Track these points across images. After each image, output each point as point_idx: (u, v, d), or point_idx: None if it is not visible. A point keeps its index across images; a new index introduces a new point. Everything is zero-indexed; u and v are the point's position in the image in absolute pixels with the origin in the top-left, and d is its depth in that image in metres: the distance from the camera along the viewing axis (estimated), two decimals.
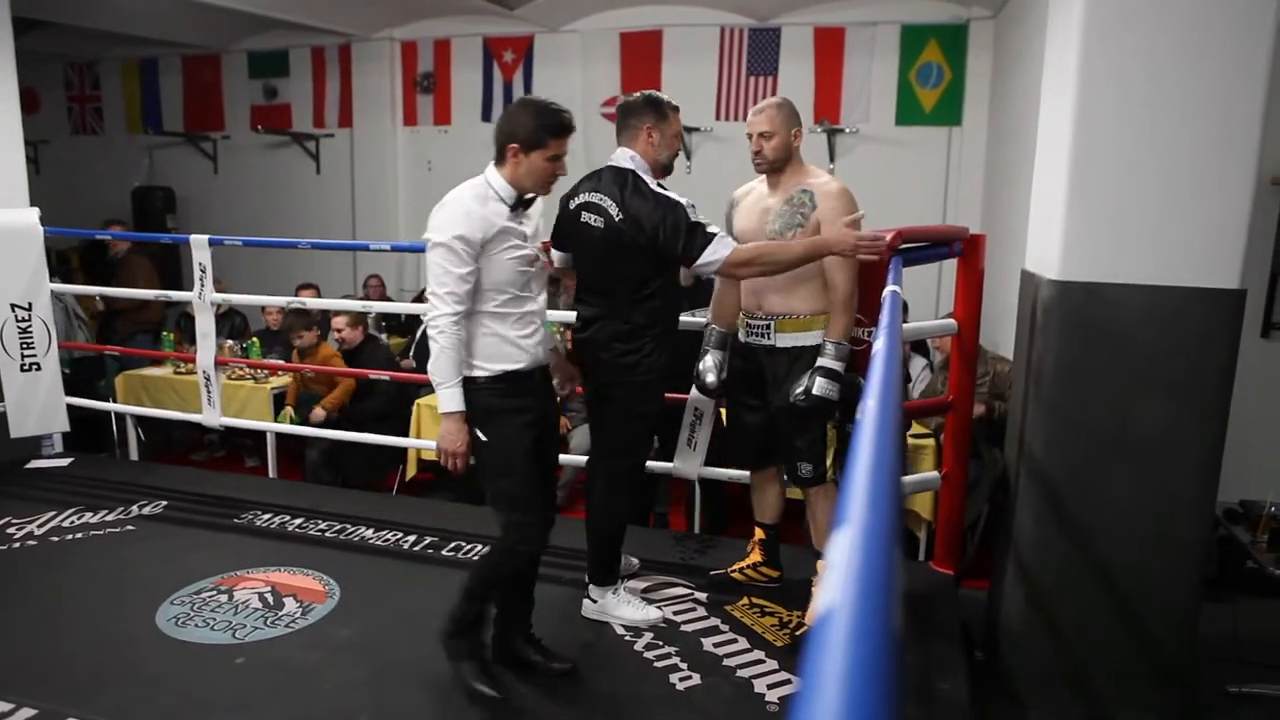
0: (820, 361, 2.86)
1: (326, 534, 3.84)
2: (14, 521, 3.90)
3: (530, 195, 2.60)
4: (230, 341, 6.04)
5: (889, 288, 2.26)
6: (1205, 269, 2.66)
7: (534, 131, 2.49)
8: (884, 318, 1.92)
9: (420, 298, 7.14)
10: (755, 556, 3.33)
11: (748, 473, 3.40)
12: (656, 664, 2.82)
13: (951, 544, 3.51)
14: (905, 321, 3.93)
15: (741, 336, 3.14)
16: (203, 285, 4.34)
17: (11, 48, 4.94)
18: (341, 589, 3.30)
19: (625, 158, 2.82)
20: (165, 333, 6.20)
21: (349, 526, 3.90)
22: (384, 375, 4.81)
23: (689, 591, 3.30)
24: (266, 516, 4.02)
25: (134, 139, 9.46)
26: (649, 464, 3.76)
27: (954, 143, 7.05)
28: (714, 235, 2.68)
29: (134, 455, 5.33)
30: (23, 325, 4.52)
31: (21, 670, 2.76)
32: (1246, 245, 2.64)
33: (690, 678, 2.74)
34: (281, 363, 5.63)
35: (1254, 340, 4.39)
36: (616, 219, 2.73)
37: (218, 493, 4.31)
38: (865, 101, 7.17)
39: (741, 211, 3.11)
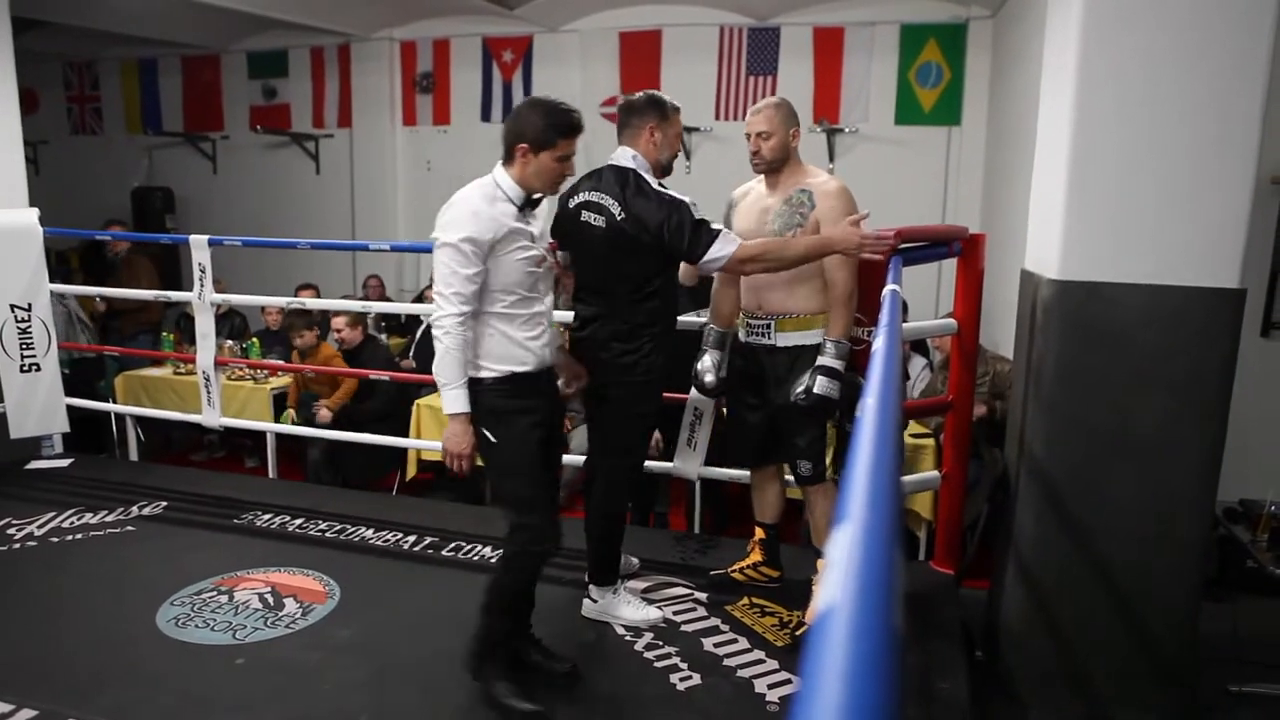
0: (821, 360, 2.86)
1: (326, 534, 3.84)
2: (14, 522, 3.90)
3: (538, 195, 2.59)
4: (230, 342, 6.04)
5: (889, 287, 2.26)
6: (1205, 268, 2.66)
7: (543, 131, 2.47)
8: (884, 317, 1.92)
9: (420, 298, 7.15)
10: (755, 556, 3.34)
11: (748, 472, 3.40)
12: (657, 664, 2.82)
13: (952, 544, 3.51)
14: (905, 321, 3.93)
15: (742, 336, 3.14)
16: (202, 286, 4.34)
17: (11, 47, 4.94)
18: (341, 589, 3.30)
19: (626, 157, 2.82)
20: (165, 333, 6.20)
21: (349, 527, 3.90)
22: (383, 375, 4.81)
23: (689, 591, 3.30)
24: (266, 517, 4.02)
25: (133, 139, 9.46)
26: (650, 464, 3.77)
27: (953, 142, 7.05)
28: (719, 232, 2.69)
29: (134, 456, 5.33)
30: (22, 326, 4.52)
31: (22, 671, 2.76)
32: (1246, 244, 2.64)
33: (690, 678, 2.74)
34: (281, 363, 5.63)
35: (1254, 339, 4.39)
36: (618, 218, 2.73)
37: (218, 493, 4.31)
38: (864, 101, 7.17)
39: (740, 212, 3.11)
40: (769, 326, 3.02)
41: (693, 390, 3.41)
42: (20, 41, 5.17)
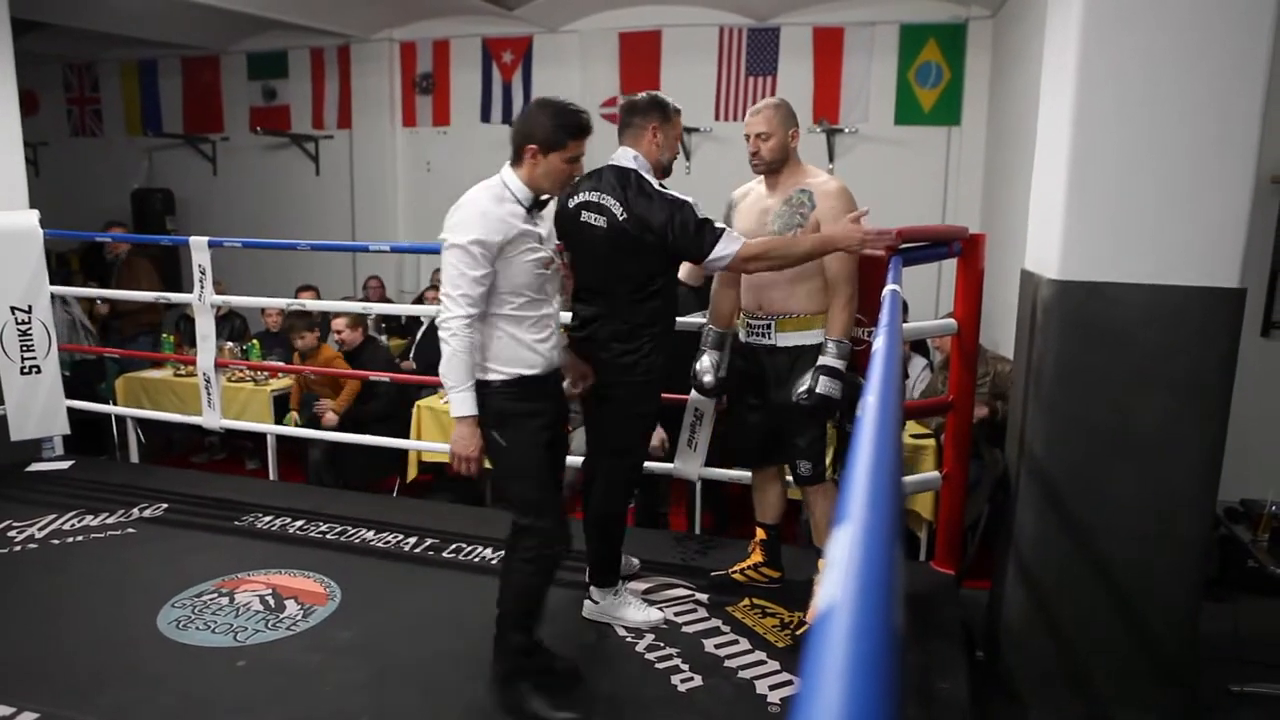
0: (822, 360, 2.86)
1: (327, 536, 3.83)
2: (15, 524, 3.90)
3: (546, 197, 2.59)
4: (230, 344, 6.04)
5: (889, 287, 2.27)
6: (1205, 268, 2.66)
7: (552, 132, 2.46)
8: (884, 317, 1.92)
9: (420, 299, 7.15)
10: (756, 557, 3.33)
11: (748, 473, 3.40)
12: (658, 665, 2.82)
13: (952, 544, 3.51)
14: (905, 321, 3.93)
15: (742, 336, 3.14)
16: (202, 287, 4.34)
17: (10, 49, 4.94)
18: (342, 591, 3.30)
19: (628, 157, 2.82)
20: (165, 335, 6.20)
21: (350, 528, 3.90)
22: (384, 377, 4.81)
23: (690, 592, 3.30)
24: (267, 519, 4.02)
25: (133, 141, 9.46)
26: (653, 465, 3.77)
27: (953, 142, 7.05)
28: (722, 231, 2.70)
29: (134, 458, 5.33)
30: (23, 328, 4.52)
31: (23, 673, 2.76)
32: (1246, 244, 2.64)
33: (692, 679, 2.74)
34: (282, 364, 5.63)
35: (1254, 339, 4.39)
36: (620, 218, 2.73)
37: (218, 495, 4.31)
38: (864, 101, 7.17)
39: (741, 212, 3.11)
40: (769, 327, 3.02)
41: (693, 391, 3.41)
42: (20, 43, 5.17)
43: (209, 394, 4.47)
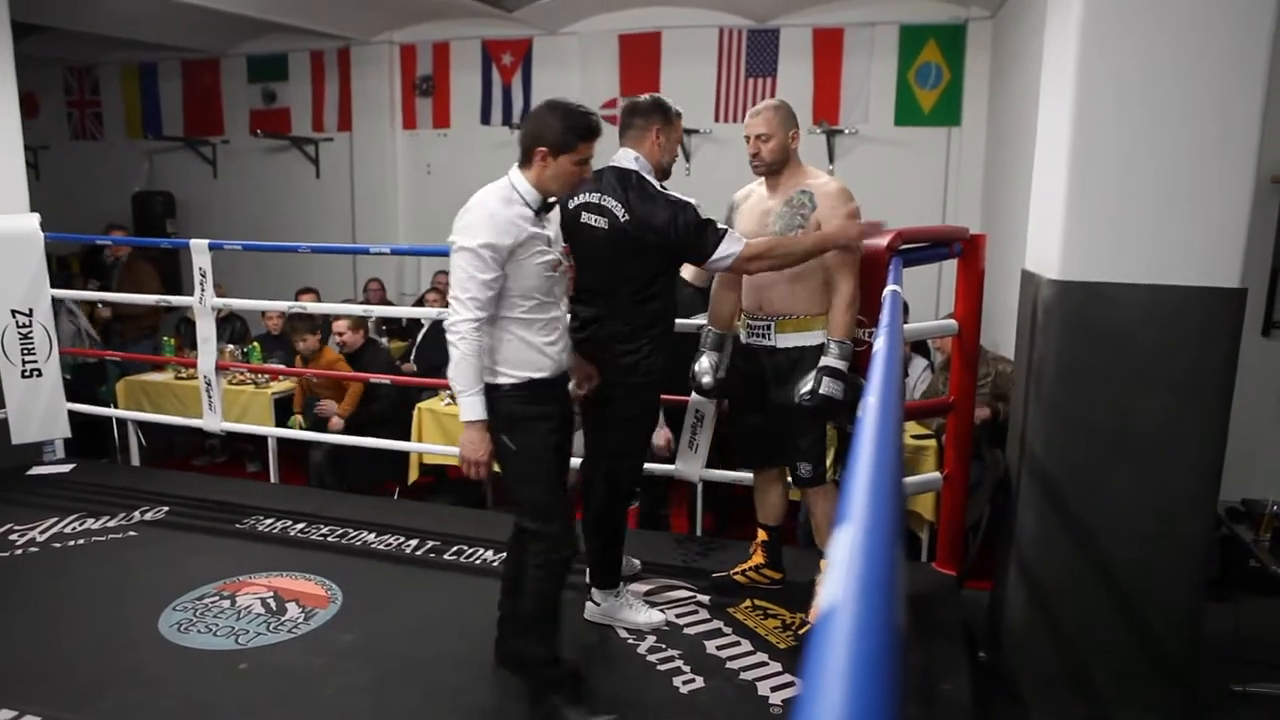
0: (824, 361, 2.86)
1: (328, 539, 3.83)
2: (16, 528, 3.90)
3: (554, 199, 2.58)
4: (231, 346, 6.04)
5: (889, 288, 2.27)
6: (1205, 268, 2.66)
7: (562, 134, 2.45)
8: (884, 317, 1.92)
9: (421, 302, 7.15)
10: (757, 558, 3.33)
11: (749, 474, 3.40)
12: (659, 667, 2.82)
13: (954, 545, 3.51)
14: (905, 322, 3.93)
15: (743, 337, 3.14)
16: (203, 290, 4.34)
17: (11, 52, 4.94)
18: (344, 594, 3.30)
19: (629, 158, 2.82)
20: (166, 338, 6.20)
21: (351, 531, 3.90)
22: (385, 379, 4.81)
23: (691, 594, 3.30)
24: (268, 521, 4.02)
25: (134, 144, 9.46)
26: (653, 466, 3.77)
27: (953, 143, 7.05)
28: (725, 232, 2.71)
29: (135, 461, 5.33)
30: (23, 331, 4.52)
31: (24, 677, 2.76)
32: (1247, 244, 2.64)
33: (693, 680, 2.74)
34: (283, 367, 5.63)
35: (1255, 339, 4.38)
36: (622, 219, 2.73)
37: (219, 498, 4.31)
38: (864, 102, 7.17)
39: (742, 214, 3.11)
40: (769, 328, 3.02)
41: (693, 392, 3.41)
42: (20, 46, 5.17)
43: (210, 397, 4.47)
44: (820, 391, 2.82)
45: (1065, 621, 2.95)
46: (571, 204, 2.85)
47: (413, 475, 5.07)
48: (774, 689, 2.70)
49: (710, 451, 3.64)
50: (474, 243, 2.39)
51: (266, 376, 5.65)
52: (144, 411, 5.52)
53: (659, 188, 2.77)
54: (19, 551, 3.68)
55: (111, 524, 3.99)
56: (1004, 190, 5.90)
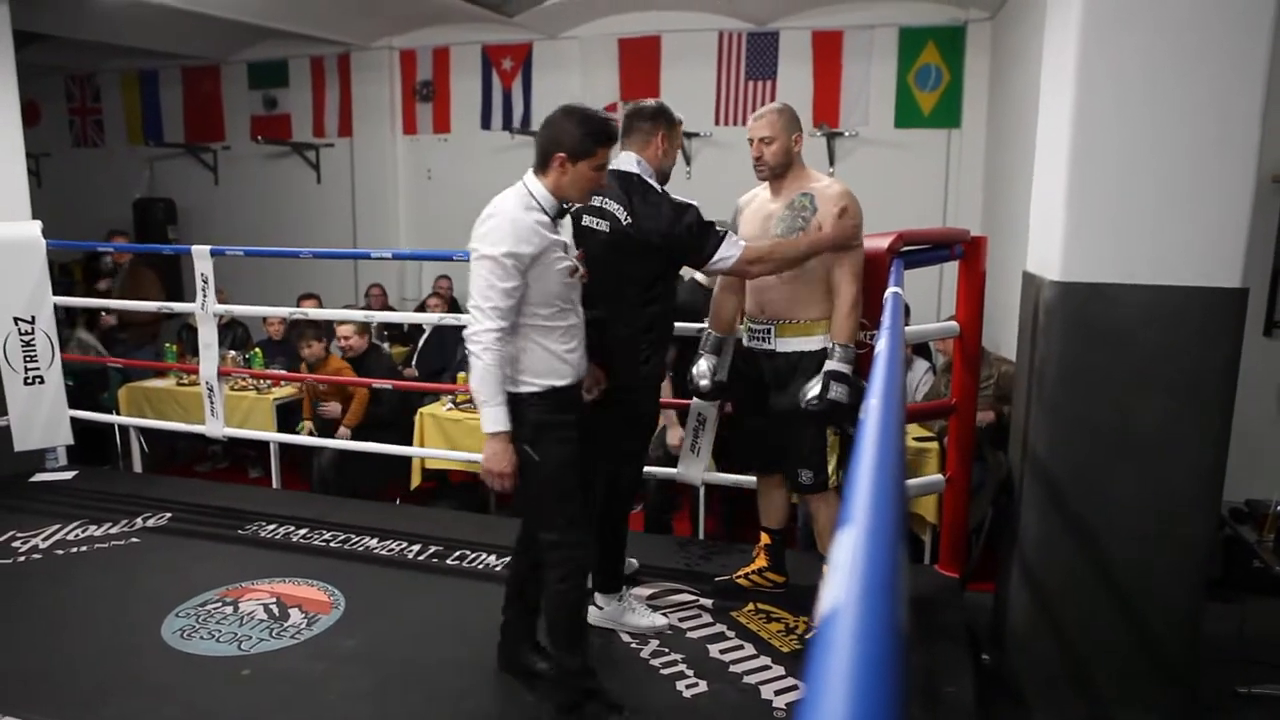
0: (829, 365, 2.85)
1: (331, 544, 3.83)
2: (19, 535, 3.90)
3: (568, 206, 2.56)
4: (233, 352, 6.04)
5: (890, 290, 2.27)
6: (1206, 268, 2.66)
7: (581, 140, 2.41)
8: (886, 319, 1.92)
9: (422, 307, 7.15)
10: (761, 562, 3.33)
11: (752, 478, 3.40)
12: (663, 671, 2.81)
13: (956, 547, 3.50)
14: (907, 324, 3.93)
15: (744, 341, 3.14)
16: (205, 296, 4.34)
17: (12, 61, 4.96)
18: (346, 599, 3.29)
19: (630, 162, 2.82)
20: (167, 344, 6.21)
21: (353, 536, 3.90)
22: (387, 384, 4.82)
23: (694, 598, 3.29)
24: (271, 527, 4.02)
25: (135, 150, 9.48)
26: (655, 470, 3.77)
27: (953, 145, 7.05)
28: (725, 235, 2.71)
29: (138, 467, 5.33)
30: (26, 339, 4.52)
31: (27, 684, 2.76)
32: (1247, 244, 2.64)
33: (696, 684, 2.74)
34: (284, 373, 5.64)
35: (1257, 339, 4.38)
36: (624, 222, 2.73)
37: (222, 504, 4.31)
38: (864, 104, 7.17)
39: (745, 218, 3.12)
40: (769, 331, 3.02)
41: (695, 397, 3.42)
42: (22, 55, 5.18)
43: (212, 403, 4.47)
44: (828, 396, 2.81)
45: (1067, 622, 2.94)
46: (572, 207, 2.85)
47: (415, 480, 5.07)
48: (777, 693, 2.70)
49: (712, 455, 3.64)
50: (496, 251, 2.35)
51: (268, 382, 5.65)
52: (146, 418, 5.52)
53: (661, 191, 2.77)
54: (22, 559, 3.68)
55: (114, 531, 3.99)
56: (1004, 192, 5.90)
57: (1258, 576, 3.79)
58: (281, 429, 5.36)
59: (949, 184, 7.07)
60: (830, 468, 3.01)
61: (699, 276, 4.16)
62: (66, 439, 4.74)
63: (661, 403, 3.84)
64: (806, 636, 3.01)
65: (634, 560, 3.41)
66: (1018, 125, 5.28)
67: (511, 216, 2.39)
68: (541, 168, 2.47)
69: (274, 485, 4.92)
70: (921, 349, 5.16)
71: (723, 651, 2.93)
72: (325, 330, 5.43)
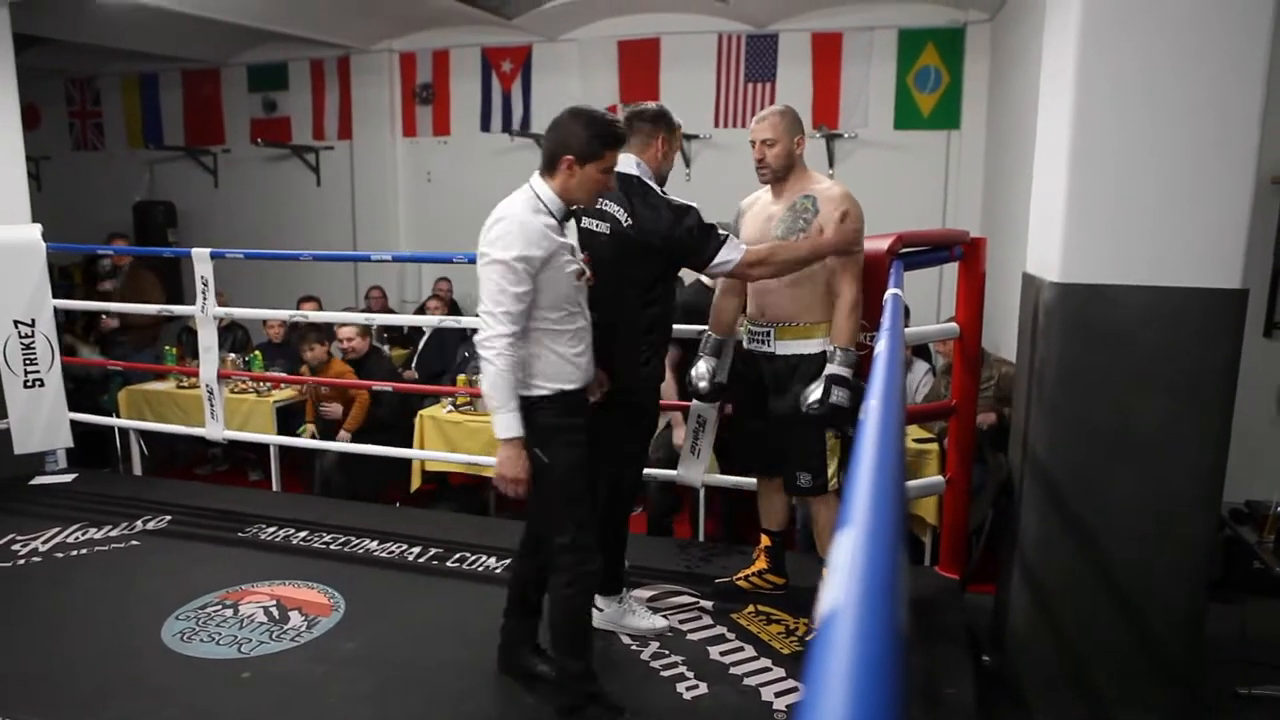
0: (830, 369, 2.85)
1: (331, 547, 3.83)
2: (19, 538, 3.90)
3: (575, 208, 2.55)
4: (233, 355, 6.05)
5: (890, 291, 2.27)
6: (1206, 269, 2.66)
7: (588, 143, 2.40)
8: (885, 321, 1.92)
9: (422, 309, 7.16)
10: (761, 564, 3.33)
11: (752, 480, 3.40)
12: (663, 673, 2.81)
13: (956, 548, 3.50)
14: (907, 326, 3.93)
15: (744, 343, 3.14)
16: (205, 299, 4.34)
17: (12, 64, 4.96)
18: (347, 602, 3.29)
19: (630, 163, 2.82)
20: (167, 347, 6.21)
21: (353, 539, 3.90)
22: (387, 387, 4.82)
23: (694, 600, 3.29)
24: (271, 530, 4.02)
25: (135, 154, 9.48)
26: (657, 472, 3.77)
27: (953, 146, 7.05)
28: (726, 237, 2.71)
29: (137, 470, 5.33)
30: (26, 342, 4.52)
31: (27, 687, 2.76)
32: (1247, 244, 2.64)
33: (697, 686, 2.73)
34: (284, 375, 5.64)
35: (1257, 340, 4.38)
36: (625, 224, 2.73)
37: (222, 507, 4.31)
38: (863, 106, 7.17)
39: (748, 220, 3.12)
40: (769, 334, 3.02)
41: (694, 399, 3.42)
42: (22, 58, 5.19)
43: (212, 405, 4.47)
44: (830, 400, 2.81)
45: (1067, 623, 2.94)
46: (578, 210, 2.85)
47: (415, 483, 5.07)
48: (777, 694, 2.70)
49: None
50: (508, 255, 2.33)
51: (268, 385, 5.65)
52: (146, 421, 5.51)
53: (661, 193, 2.77)
54: (22, 562, 3.68)
55: (114, 533, 3.99)
56: (1004, 193, 5.90)
57: (1258, 577, 3.79)
58: (281, 432, 5.36)
59: (948, 185, 7.07)
60: (831, 470, 3.01)
61: (704, 278, 4.16)
62: (66, 442, 4.74)
63: (666, 404, 3.86)
64: (807, 638, 3.01)
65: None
66: (1017, 126, 5.28)
67: (520, 220, 2.38)
68: (549, 170, 2.45)
69: (274, 488, 4.91)
70: (921, 350, 5.16)
71: (723, 653, 2.93)
72: (327, 333, 5.43)
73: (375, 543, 3.85)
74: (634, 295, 2.79)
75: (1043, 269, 2.95)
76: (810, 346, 2.96)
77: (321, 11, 7.33)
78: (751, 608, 3.23)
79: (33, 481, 4.71)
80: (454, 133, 8.30)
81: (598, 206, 2.77)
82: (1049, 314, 2.86)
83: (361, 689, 2.73)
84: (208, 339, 4.41)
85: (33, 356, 4.54)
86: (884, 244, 3.01)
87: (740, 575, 3.34)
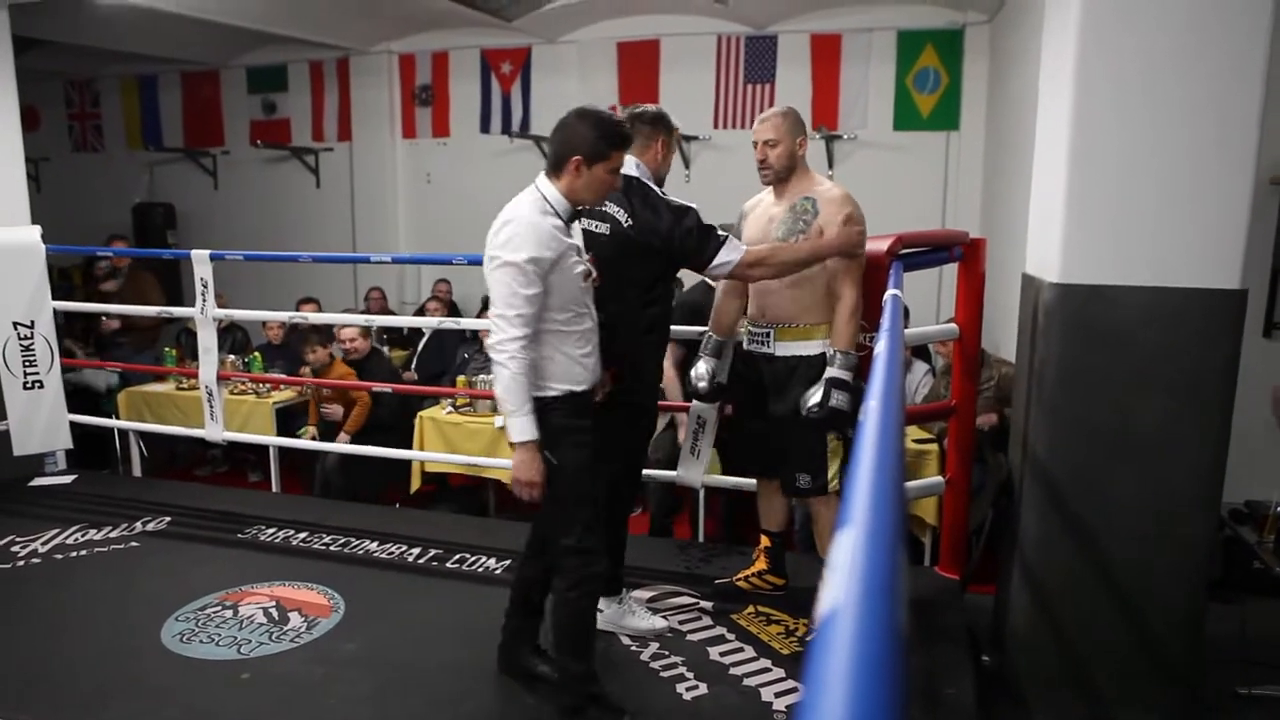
0: (830, 373, 2.85)
1: (330, 548, 3.83)
2: (18, 540, 3.90)
3: (580, 209, 2.55)
4: (232, 356, 6.05)
5: (890, 292, 2.27)
6: (1205, 269, 2.66)
7: (595, 144, 2.41)
8: (885, 321, 1.92)
9: (422, 310, 7.16)
10: (760, 564, 3.33)
11: (752, 481, 3.40)
12: (663, 674, 2.81)
13: (956, 549, 3.50)
14: (906, 326, 3.93)
15: (744, 344, 3.14)
16: (204, 301, 4.34)
17: (12, 66, 4.96)
18: (346, 603, 3.29)
19: (630, 165, 2.82)
20: (167, 348, 6.21)
21: (353, 540, 3.90)
22: (386, 388, 4.82)
23: (694, 600, 3.29)
24: (270, 531, 4.02)
25: (134, 155, 9.48)
26: (657, 472, 3.77)
27: (952, 147, 7.05)
28: (725, 238, 2.71)
29: (137, 472, 5.33)
30: (25, 343, 4.52)
31: (27, 688, 2.76)
32: (1247, 245, 2.64)
33: (697, 687, 2.73)
34: (284, 377, 5.64)
35: (1256, 340, 4.38)
36: (625, 225, 2.73)
37: (221, 508, 4.31)
38: (863, 107, 7.18)
39: (750, 221, 3.12)
40: (768, 335, 3.02)
41: (693, 399, 3.42)
42: (21, 60, 5.19)
43: (211, 407, 4.47)
44: (830, 404, 2.81)
45: (1067, 623, 2.94)
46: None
47: (415, 484, 5.07)
48: (777, 695, 2.70)
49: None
50: (519, 257, 2.32)
51: (268, 386, 5.65)
52: (145, 422, 5.52)
53: (660, 194, 2.78)
54: (21, 563, 3.68)
55: (114, 535, 3.98)
56: (1003, 194, 5.90)
57: (1258, 577, 3.79)
58: (281, 433, 5.36)
59: (948, 186, 7.07)
60: (832, 472, 3.01)
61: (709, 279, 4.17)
62: (65, 443, 4.74)
63: (669, 405, 3.87)
64: (806, 639, 3.01)
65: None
66: (1016, 127, 5.28)
67: (530, 221, 2.37)
68: (555, 171, 2.45)
69: (273, 489, 4.91)
70: (921, 351, 5.16)
71: (723, 654, 2.92)
72: (329, 335, 5.44)
73: (375, 544, 3.85)
74: (634, 296, 2.79)
75: (1042, 269, 2.95)
76: (810, 348, 2.96)
77: (321, 13, 7.33)
78: (751, 608, 3.23)
79: (32, 483, 4.71)
80: (453, 134, 8.30)
81: (598, 207, 2.77)
82: (1049, 314, 2.86)
83: (361, 690, 2.73)
84: (207, 340, 4.41)
85: (32, 358, 4.54)
86: (883, 245, 3.01)
87: (740, 576, 3.34)
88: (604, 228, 2.77)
